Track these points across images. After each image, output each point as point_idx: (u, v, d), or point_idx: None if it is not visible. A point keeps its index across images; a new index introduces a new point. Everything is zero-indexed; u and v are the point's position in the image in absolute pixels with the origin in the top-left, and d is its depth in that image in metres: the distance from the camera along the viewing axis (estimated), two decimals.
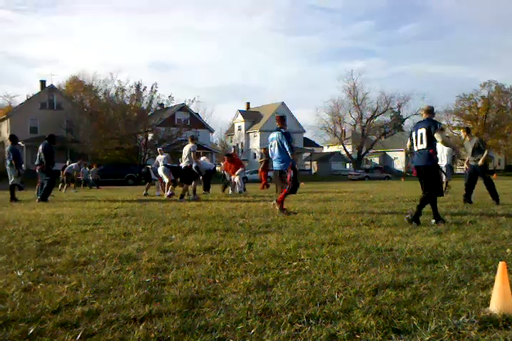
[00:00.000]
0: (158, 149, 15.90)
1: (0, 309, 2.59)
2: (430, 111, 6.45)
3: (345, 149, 58.90)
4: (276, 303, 2.67)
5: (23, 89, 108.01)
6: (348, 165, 60.93)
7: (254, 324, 2.35)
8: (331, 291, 2.90)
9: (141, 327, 2.32)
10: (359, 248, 4.35)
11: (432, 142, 6.15)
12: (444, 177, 13.08)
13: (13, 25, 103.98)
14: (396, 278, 3.19)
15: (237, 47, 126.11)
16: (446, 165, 12.36)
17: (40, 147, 10.94)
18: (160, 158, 14.65)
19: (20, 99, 58.85)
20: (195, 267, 3.61)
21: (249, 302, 2.68)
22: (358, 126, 60.04)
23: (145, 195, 13.75)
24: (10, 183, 11.36)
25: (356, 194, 13.83)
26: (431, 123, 6.22)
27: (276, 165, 7.80)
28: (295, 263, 3.72)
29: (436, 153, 6.32)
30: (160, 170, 12.90)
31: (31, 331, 2.27)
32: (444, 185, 13.21)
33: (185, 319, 2.44)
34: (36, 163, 11.21)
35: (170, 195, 12.23)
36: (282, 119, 8.04)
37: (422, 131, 6.20)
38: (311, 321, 2.39)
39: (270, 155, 8.02)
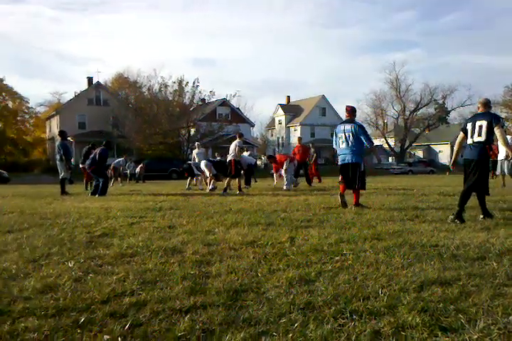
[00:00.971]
0: (196, 144, 16.18)
1: (53, 298, 2.71)
2: (487, 103, 6.15)
3: (387, 142, 57.59)
4: (319, 298, 2.67)
5: (71, 86, 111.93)
6: (390, 158, 59.61)
7: (298, 318, 2.37)
8: (374, 287, 2.87)
9: (186, 318, 2.37)
10: (403, 243, 4.26)
11: (490, 136, 5.86)
12: (500, 170, 12.60)
13: (62, 24, 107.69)
14: (442, 275, 3.12)
15: (276, 42, 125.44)
16: (504, 159, 11.87)
17: (98, 150, 11.55)
18: (196, 152, 14.95)
19: (69, 95, 61.11)
20: (237, 260, 3.66)
21: (292, 297, 2.69)
22: (400, 119, 58.47)
23: (188, 189, 13.99)
24: (60, 177, 11.93)
25: (399, 188, 13.54)
26: (492, 117, 5.91)
27: (348, 158, 7.45)
28: (337, 258, 3.70)
29: (492, 148, 6.05)
30: (202, 165, 13.11)
31: (82, 320, 2.37)
32: (502, 180, 12.72)
33: (229, 311, 2.48)
34: (88, 162, 11.81)
35: (212, 189, 12.40)
36: (353, 111, 7.78)
37: (482, 123, 5.86)
38: (354, 316, 2.38)
39: (336, 147, 7.70)
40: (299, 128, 59.38)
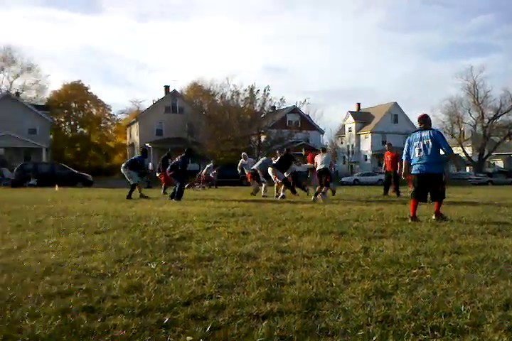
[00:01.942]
0: (242, 154, 16.35)
1: (138, 298, 2.86)
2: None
3: (464, 151, 54.67)
4: (397, 311, 2.62)
5: (150, 95, 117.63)
6: (468, 168, 56.55)
7: (376, 331, 2.34)
8: (456, 303, 2.76)
9: (264, 324, 2.42)
10: (485, 258, 4.05)
11: None
12: None
13: (141, 33, 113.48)
14: None
15: (348, 48, 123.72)
16: None
17: (178, 159, 12.26)
18: (244, 162, 15.12)
19: (147, 103, 64.48)
20: (311, 269, 3.67)
21: (369, 309, 2.67)
22: (478, 127, 55.35)
23: (252, 194, 14.24)
24: (132, 183, 12.87)
25: (478, 199, 12.84)
26: None
27: (427, 168, 7.00)
28: (415, 271, 3.60)
29: None
30: (270, 171, 13.26)
31: (166, 320, 2.47)
32: None
33: (306, 320, 2.50)
34: (168, 168, 12.69)
35: (282, 197, 12.47)
36: (426, 119, 7.38)
37: None
38: (436, 333, 2.31)
39: (412, 156, 7.22)
40: (369, 135, 58.10)
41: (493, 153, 54.76)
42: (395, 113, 58.88)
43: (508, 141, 54.82)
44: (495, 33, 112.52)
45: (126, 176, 13.20)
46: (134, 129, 52.26)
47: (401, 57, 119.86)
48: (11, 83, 59.08)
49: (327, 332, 2.34)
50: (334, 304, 2.79)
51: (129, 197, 12.51)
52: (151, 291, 3.00)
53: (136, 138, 50.56)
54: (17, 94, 50.99)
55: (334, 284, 3.21)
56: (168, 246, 4.62)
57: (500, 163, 59.86)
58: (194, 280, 3.29)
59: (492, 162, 60.28)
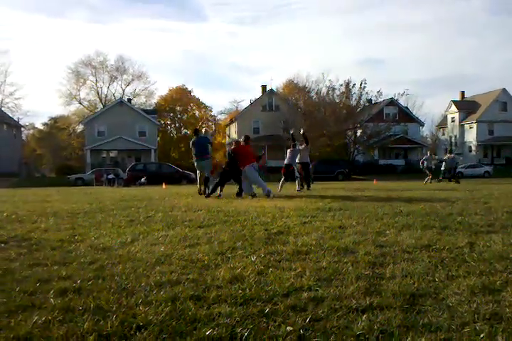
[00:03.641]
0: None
1: (240, 288, 2.99)
2: None
3: None
4: (507, 309, 2.48)
5: (248, 95, 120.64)
6: None
7: (483, 328, 2.24)
8: None
9: (363, 317, 2.42)
10: None
11: None
12: None
13: (238, 37, 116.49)
14: None
15: (450, 36, 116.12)
16: None
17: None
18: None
19: (245, 103, 66.48)
20: (412, 264, 3.58)
21: (475, 305, 2.55)
22: None
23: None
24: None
25: None
26: None
27: None
28: None
29: None
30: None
31: (267, 310, 2.56)
32: None
33: (407, 315, 2.46)
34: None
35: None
36: None
37: None
38: None
39: None
40: (474, 125, 54.12)
41: None
42: (504, 100, 54.12)
43: None
44: None
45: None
46: (233, 128, 53.94)
47: (508, 40, 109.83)
48: (124, 90, 64.32)
49: (430, 327, 2.29)
50: (437, 300, 2.71)
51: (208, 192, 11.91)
52: (251, 282, 3.12)
53: (235, 137, 52.09)
54: (129, 100, 55.29)
55: (437, 280, 3.11)
56: (267, 240, 4.75)
57: None
58: (292, 272, 3.36)
59: None
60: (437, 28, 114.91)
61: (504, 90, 54.48)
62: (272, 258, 3.86)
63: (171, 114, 67.55)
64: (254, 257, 3.91)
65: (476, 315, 2.41)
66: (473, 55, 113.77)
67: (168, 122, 67.67)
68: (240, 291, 2.92)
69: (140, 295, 2.89)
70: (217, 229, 5.61)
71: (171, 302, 2.73)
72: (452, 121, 58.78)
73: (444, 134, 61.71)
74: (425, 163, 23.37)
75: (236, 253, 4.10)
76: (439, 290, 2.88)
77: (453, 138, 58.03)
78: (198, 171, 12.53)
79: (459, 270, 3.36)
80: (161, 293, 2.91)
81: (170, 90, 67.31)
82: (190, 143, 12.49)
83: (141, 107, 58.27)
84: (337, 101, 44.25)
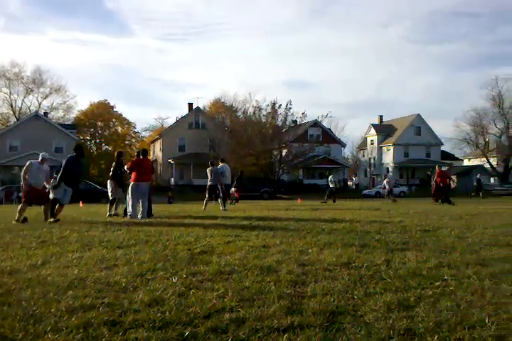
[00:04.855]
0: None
1: (160, 311, 2.87)
2: None
3: (489, 162, 53.69)
4: (420, 324, 2.57)
5: (174, 112, 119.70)
6: (492, 179, 55.38)
7: None
8: (480, 315, 2.70)
9: (284, 337, 2.41)
10: (511, 270, 3.97)
11: None
12: None
13: (165, 53, 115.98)
14: None
15: (371, 61, 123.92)
16: None
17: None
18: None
19: (171, 120, 65.80)
20: (332, 281, 3.64)
21: (391, 321, 2.63)
22: (504, 137, 54.42)
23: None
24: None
25: (504, 210, 12.54)
26: None
27: None
28: (438, 283, 3.54)
29: None
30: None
31: (186, 334, 2.47)
32: None
33: (326, 333, 2.48)
34: None
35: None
36: None
37: None
38: None
39: None
40: (391, 148, 57.51)
41: None
42: (418, 125, 58.18)
43: None
44: None
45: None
46: (158, 145, 53.09)
47: (425, 68, 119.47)
48: (40, 104, 61.00)
49: None
50: (356, 317, 2.76)
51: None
52: (172, 305, 3.01)
53: (160, 154, 51.31)
54: (45, 114, 52.52)
55: (356, 297, 3.18)
56: (190, 260, 4.64)
57: None
58: (215, 293, 3.29)
59: None
60: (360, 54, 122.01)
61: (419, 115, 58.58)
62: (194, 279, 3.77)
63: (92, 130, 65.14)
64: (176, 278, 3.79)
65: (391, 331, 2.48)
66: (392, 80, 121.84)
67: (88, 138, 65.10)
68: (159, 314, 2.81)
69: (49, 321, 2.68)
70: (137, 249, 5.39)
71: (83, 328, 2.56)
72: (371, 144, 62.06)
73: (364, 156, 64.88)
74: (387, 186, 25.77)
75: (156, 275, 3.95)
76: (357, 307, 2.94)
77: (372, 160, 61.15)
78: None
79: (376, 287, 3.46)
80: (73, 318, 2.72)
81: (91, 105, 65.04)
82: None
83: (59, 122, 55.57)
84: (263, 121, 45.18)
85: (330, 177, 24.74)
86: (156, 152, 54.09)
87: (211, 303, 3.03)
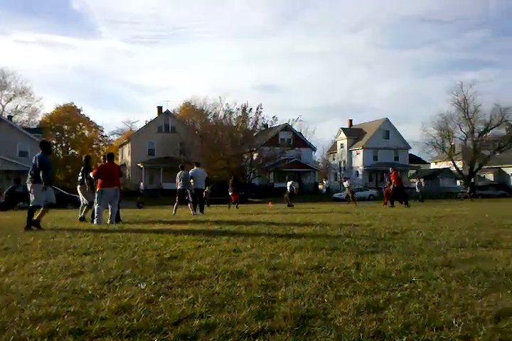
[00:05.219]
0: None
1: (127, 319, 2.81)
2: None
3: (455, 165, 55.21)
4: (389, 326, 2.60)
5: (143, 115, 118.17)
6: (458, 182, 57.01)
7: None
8: (447, 316, 2.75)
9: None
10: (476, 271, 4.07)
11: None
12: None
13: (135, 56, 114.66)
14: None
15: (341, 66, 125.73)
16: None
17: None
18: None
19: (140, 124, 64.92)
20: (303, 285, 3.65)
21: (361, 324, 2.65)
22: (469, 141, 56.11)
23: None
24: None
25: (469, 212, 12.89)
26: None
27: None
28: (406, 285, 3.59)
29: None
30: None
31: None
32: None
33: (297, 337, 2.48)
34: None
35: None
36: None
37: None
38: None
39: None
40: (361, 152, 58.41)
41: (484, 167, 55.28)
42: (386, 129, 59.27)
43: (497, 154, 55.48)
44: (487, 49, 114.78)
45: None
46: (126, 149, 52.32)
47: (394, 73, 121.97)
48: (3, 107, 59.26)
49: None
50: (326, 320, 2.76)
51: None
52: (140, 312, 2.96)
53: (128, 158, 50.58)
54: (9, 117, 51.02)
55: (326, 300, 3.19)
56: (159, 266, 4.56)
57: (490, 177, 60.33)
58: (184, 299, 3.25)
59: (482, 175, 60.77)
60: (330, 58, 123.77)
61: (387, 120, 59.68)
62: (163, 285, 3.71)
63: (58, 133, 63.61)
64: (144, 285, 3.72)
65: (361, 334, 2.50)
66: (362, 84, 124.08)
67: (54, 142, 63.52)
68: (127, 322, 2.75)
69: (12, 331, 2.60)
70: (104, 256, 5.26)
71: (48, 337, 2.50)
72: (341, 147, 62.83)
73: (334, 159, 65.61)
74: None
75: (124, 282, 3.87)
76: (327, 311, 2.95)
77: (342, 163, 61.90)
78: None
79: (346, 290, 3.48)
80: (37, 328, 2.64)
81: (57, 108, 63.55)
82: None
83: (24, 125, 54.13)
84: (234, 124, 45.21)
85: (289, 182, 24.89)
86: (125, 156, 53.29)
87: (180, 309, 2.98)
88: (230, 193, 23.36)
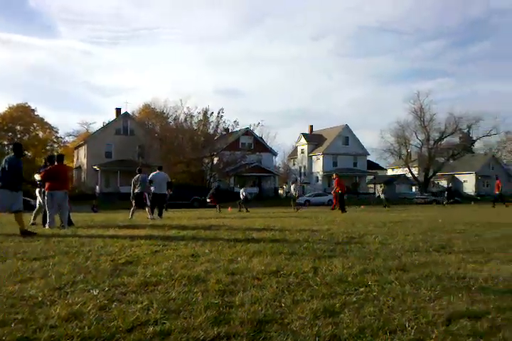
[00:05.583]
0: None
1: (78, 326, 2.71)
2: None
3: (410, 172, 57.05)
4: (344, 330, 2.62)
5: (100, 117, 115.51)
6: (414, 188, 58.83)
7: None
8: (401, 320, 2.81)
9: None
10: (429, 275, 4.18)
11: None
12: None
13: (93, 57, 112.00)
14: (471, 308, 3.04)
15: (302, 73, 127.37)
16: None
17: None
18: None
19: (97, 126, 63.28)
20: (261, 290, 3.63)
21: (317, 328, 2.66)
22: (424, 148, 58.19)
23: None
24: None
25: (424, 218, 13.31)
26: None
27: None
28: (362, 289, 3.64)
29: None
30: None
31: None
32: None
33: None
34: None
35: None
36: None
37: None
38: None
39: None
40: (321, 157, 59.30)
41: (438, 174, 57.36)
42: (346, 135, 60.42)
43: (451, 161, 57.71)
44: (444, 59, 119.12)
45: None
46: (82, 152, 50.90)
47: (354, 81, 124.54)
48: None
49: None
50: (283, 325, 2.76)
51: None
52: (92, 319, 2.86)
53: (84, 161, 49.23)
54: None
55: (283, 305, 3.19)
56: (113, 272, 4.43)
57: (444, 183, 62.64)
58: (139, 306, 3.16)
59: (437, 182, 62.99)
60: (291, 65, 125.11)
61: (347, 126, 60.89)
62: (116, 291, 3.60)
63: (10, 134, 61.14)
64: (97, 291, 3.60)
65: (317, 338, 2.51)
66: (323, 91, 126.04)
67: (6, 143, 60.99)
68: (78, 330, 2.66)
69: None
70: (56, 261, 5.06)
71: None
72: (302, 153, 63.57)
73: (294, 164, 66.26)
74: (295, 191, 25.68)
75: (76, 288, 3.73)
76: (284, 315, 2.94)
77: (302, 169, 62.60)
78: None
79: (303, 294, 3.50)
80: None
81: (10, 108, 61.01)
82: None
83: None
84: (195, 128, 44.94)
85: (241, 189, 25.02)
86: (81, 158, 51.83)
87: (134, 316, 2.90)
88: (208, 200, 24.14)
